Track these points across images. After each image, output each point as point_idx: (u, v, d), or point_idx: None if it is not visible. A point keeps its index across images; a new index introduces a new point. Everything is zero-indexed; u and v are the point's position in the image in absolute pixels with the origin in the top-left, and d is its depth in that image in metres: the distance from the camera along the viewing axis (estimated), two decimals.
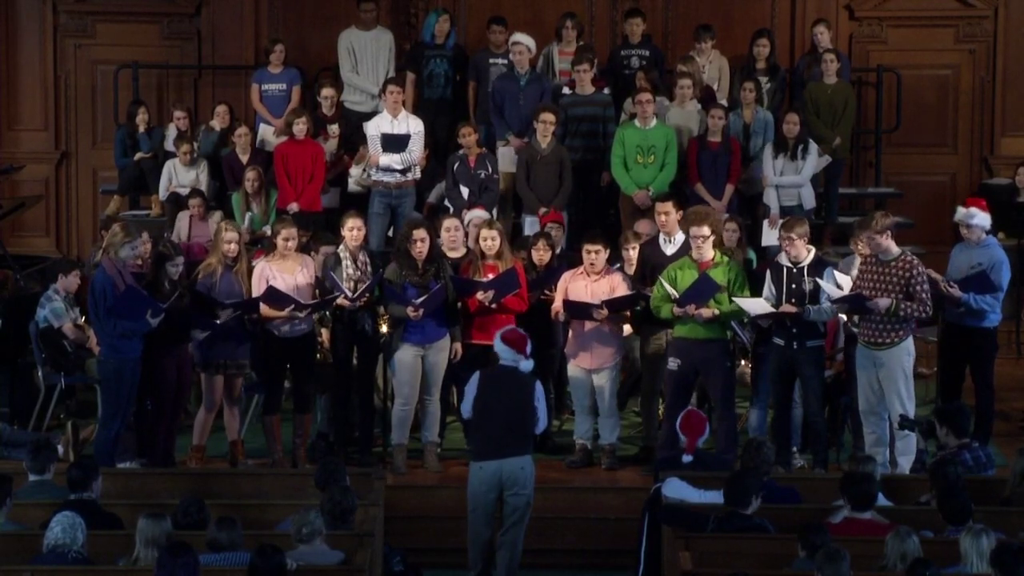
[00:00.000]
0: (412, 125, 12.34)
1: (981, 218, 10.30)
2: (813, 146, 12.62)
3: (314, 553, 7.41)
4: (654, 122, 12.32)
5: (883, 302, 9.59)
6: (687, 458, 8.88)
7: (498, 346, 9.02)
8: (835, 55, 13.23)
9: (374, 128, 12.32)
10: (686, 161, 12.42)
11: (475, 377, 9.06)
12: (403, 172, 12.29)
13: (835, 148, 13.08)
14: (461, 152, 12.29)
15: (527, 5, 14.32)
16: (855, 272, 10.10)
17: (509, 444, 8.85)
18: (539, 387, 9.00)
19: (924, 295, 9.64)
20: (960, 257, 10.37)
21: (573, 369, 10.45)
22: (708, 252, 10.01)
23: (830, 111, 13.14)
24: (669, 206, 10.54)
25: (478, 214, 11.61)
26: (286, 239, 10.27)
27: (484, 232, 10.51)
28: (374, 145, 12.29)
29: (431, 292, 10.10)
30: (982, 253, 10.27)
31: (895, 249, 9.76)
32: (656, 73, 13.07)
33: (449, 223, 10.93)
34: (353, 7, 13.68)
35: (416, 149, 12.32)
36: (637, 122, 12.35)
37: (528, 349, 8.96)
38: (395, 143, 12.22)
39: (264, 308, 10.12)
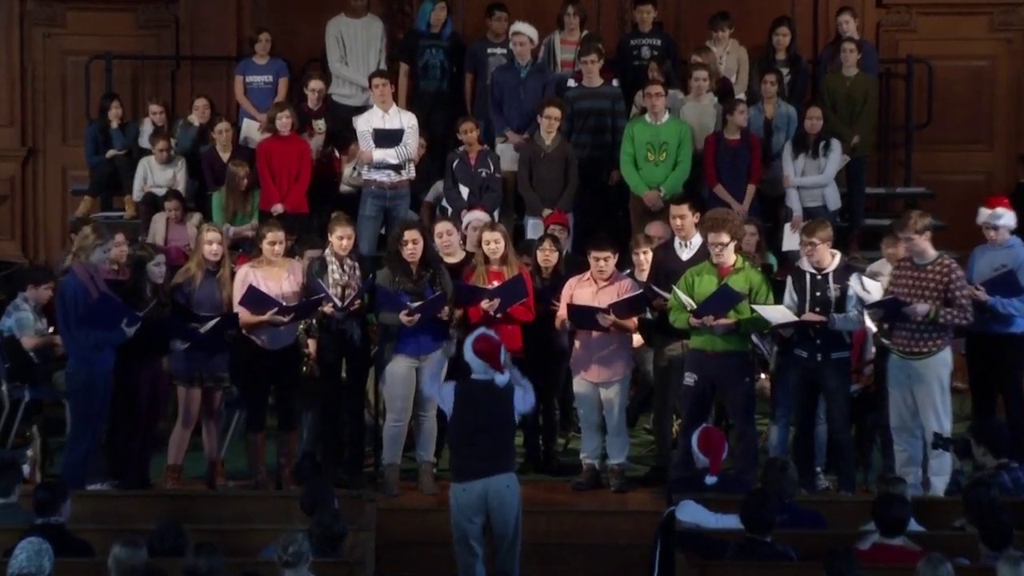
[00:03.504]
0: (405, 119, 12.33)
1: (1008, 218, 10.29)
2: (836, 143, 12.59)
3: None
4: (666, 117, 12.30)
5: (921, 307, 9.57)
6: (711, 479, 8.82)
7: (468, 357, 8.87)
8: (855, 45, 13.18)
9: (364, 124, 12.31)
10: (701, 159, 12.40)
11: (450, 388, 8.98)
12: (398, 169, 12.27)
13: (854, 146, 13.04)
14: (461, 149, 12.28)
15: None
16: (884, 279, 10.06)
17: (493, 462, 8.76)
18: (517, 391, 8.85)
19: (964, 300, 9.63)
20: (982, 259, 10.35)
21: (579, 383, 10.41)
22: (729, 257, 9.96)
23: (848, 105, 13.09)
24: (685, 209, 10.49)
25: (478, 216, 11.59)
26: (272, 243, 10.23)
27: (487, 235, 10.47)
28: (365, 142, 12.27)
29: (428, 298, 10.06)
30: (1006, 254, 10.24)
31: (932, 252, 9.74)
32: (668, 64, 13.05)
33: (441, 227, 10.87)
34: None
35: (411, 143, 12.30)
36: (648, 117, 12.32)
37: (503, 359, 8.83)
38: (388, 139, 12.20)
39: (244, 314, 10.07)
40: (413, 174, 12.45)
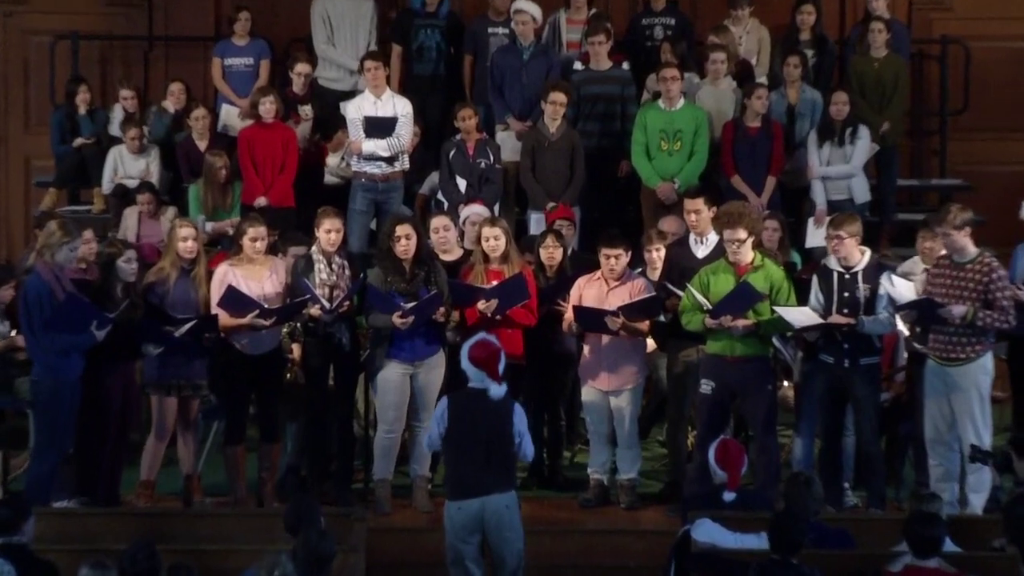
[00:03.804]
0: (399, 106, 12.31)
1: None
2: (864, 130, 12.60)
3: None
4: (681, 103, 12.31)
5: (958, 309, 9.56)
6: (729, 496, 8.82)
7: (464, 365, 8.85)
8: (885, 24, 13.17)
9: (355, 111, 12.30)
10: (719, 148, 12.39)
11: (442, 403, 8.96)
12: (390, 161, 12.26)
13: (883, 135, 13.02)
14: (458, 138, 12.27)
15: None
16: (917, 279, 10.05)
17: (490, 479, 8.75)
18: (518, 409, 8.89)
19: (1005, 302, 9.61)
20: None
21: (588, 391, 10.40)
22: (746, 255, 9.95)
23: (878, 90, 13.09)
24: (700, 203, 10.48)
25: (477, 210, 11.59)
26: (253, 239, 10.22)
27: (486, 231, 10.46)
28: (355, 130, 12.26)
29: (423, 299, 10.04)
30: None
31: (972, 249, 9.72)
32: (683, 45, 13.07)
33: (437, 222, 10.88)
34: None
35: (404, 134, 12.28)
36: (661, 103, 12.33)
37: (500, 368, 8.81)
38: (380, 127, 12.18)
39: (223, 316, 10.05)
40: (407, 165, 12.43)
